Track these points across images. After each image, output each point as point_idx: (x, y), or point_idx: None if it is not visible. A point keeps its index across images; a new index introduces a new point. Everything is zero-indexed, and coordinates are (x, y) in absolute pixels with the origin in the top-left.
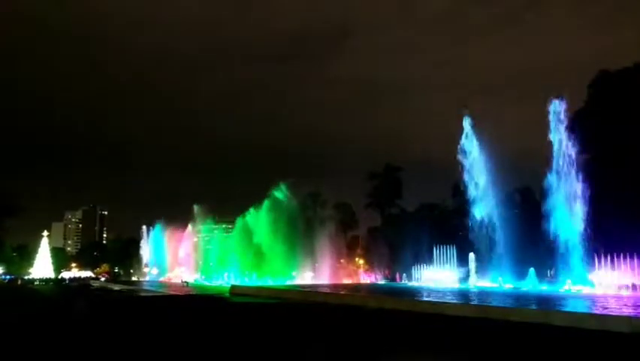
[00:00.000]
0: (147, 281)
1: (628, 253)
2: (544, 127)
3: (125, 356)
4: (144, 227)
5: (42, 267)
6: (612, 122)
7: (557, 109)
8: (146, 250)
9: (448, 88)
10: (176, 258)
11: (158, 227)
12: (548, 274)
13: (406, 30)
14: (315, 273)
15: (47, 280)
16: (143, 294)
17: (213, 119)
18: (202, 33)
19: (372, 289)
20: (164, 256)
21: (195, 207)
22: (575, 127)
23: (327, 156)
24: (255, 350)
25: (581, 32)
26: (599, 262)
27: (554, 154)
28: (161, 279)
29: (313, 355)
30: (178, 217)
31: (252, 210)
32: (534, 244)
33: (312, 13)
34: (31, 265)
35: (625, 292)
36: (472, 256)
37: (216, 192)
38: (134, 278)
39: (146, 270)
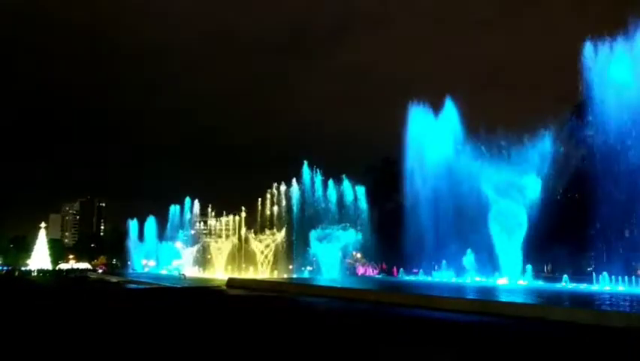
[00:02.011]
0: (145, 273)
1: (625, 250)
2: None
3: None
4: (132, 220)
5: (39, 258)
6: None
7: None
8: (135, 244)
9: (448, 82)
10: (174, 251)
11: (151, 220)
12: (545, 270)
13: (406, 24)
14: (313, 267)
15: (45, 272)
16: (140, 286)
17: (213, 115)
18: (201, 27)
19: (370, 282)
20: (161, 249)
21: (193, 201)
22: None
23: (326, 148)
24: (249, 342)
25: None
26: (596, 258)
27: None
28: (159, 271)
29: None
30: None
31: None
32: (531, 240)
33: (312, 6)
34: (28, 256)
35: (622, 288)
36: (469, 251)
37: (215, 186)
38: (130, 270)
39: (144, 262)
